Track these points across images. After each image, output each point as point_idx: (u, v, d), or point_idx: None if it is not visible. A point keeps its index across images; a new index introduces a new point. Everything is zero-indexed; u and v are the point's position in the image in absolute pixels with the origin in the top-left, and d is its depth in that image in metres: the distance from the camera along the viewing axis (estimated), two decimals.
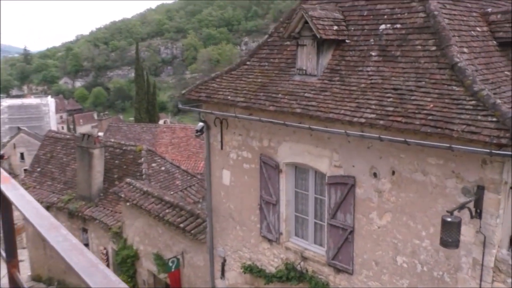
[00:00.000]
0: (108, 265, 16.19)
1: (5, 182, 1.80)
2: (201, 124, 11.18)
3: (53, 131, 22.28)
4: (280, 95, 8.25)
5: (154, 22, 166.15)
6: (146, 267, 13.85)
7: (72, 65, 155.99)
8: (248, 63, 9.79)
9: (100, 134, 46.71)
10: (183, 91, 10.20)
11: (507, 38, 7.65)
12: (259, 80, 9.02)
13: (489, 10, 8.21)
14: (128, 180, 14.51)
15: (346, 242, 7.59)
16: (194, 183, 17.91)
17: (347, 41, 8.20)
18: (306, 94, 7.88)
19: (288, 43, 9.25)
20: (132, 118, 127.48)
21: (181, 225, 11.36)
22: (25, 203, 1.62)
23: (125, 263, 14.16)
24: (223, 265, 10.56)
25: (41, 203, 18.19)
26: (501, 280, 5.80)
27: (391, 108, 6.53)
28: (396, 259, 6.97)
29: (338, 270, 7.86)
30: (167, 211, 12.21)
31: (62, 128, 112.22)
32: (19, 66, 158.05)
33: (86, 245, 17.26)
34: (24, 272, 22.13)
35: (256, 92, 8.72)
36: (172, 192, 16.61)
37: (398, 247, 6.91)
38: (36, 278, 20.30)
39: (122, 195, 13.74)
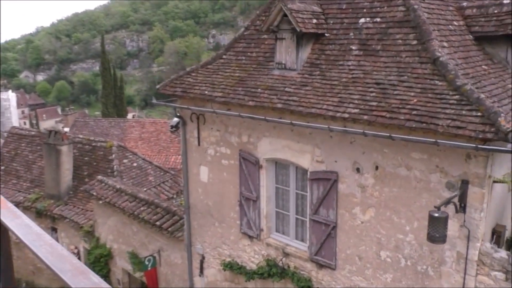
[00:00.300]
0: None
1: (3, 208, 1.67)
2: (176, 119, 10.92)
3: (17, 128, 21.41)
4: (259, 89, 8.11)
5: (119, 14, 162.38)
6: (121, 266, 13.50)
7: (33, 58, 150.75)
8: (224, 57, 9.59)
9: (66, 129, 45.36)
10: (158, 86, 9.90)
11: (483, 32, 7.75)
12: (237, 74, 8.85)
13: (465, 4, 8.29)
14: (99, 177, 14.07)
15: (329, 238, 7.56)
16: (167, 179, 17.58)
17: (326, 34, 8.12)
18: (286, 89, 7.76)
19: (265, 36, 9.10)
20: (98, 113, 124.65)
21: (157, 223, 11.10)
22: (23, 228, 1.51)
23: (98, 262, 13.76)
24: (201, 262, 10.38)
25: None
26: (485, 273, 5.89)
27: (374, 103, 6.49)
28: (379, 254, 6.99)
29: (321, 266, 7.83)
30: (142, 208, 11.90)
31: (24, 123, 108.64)
32: None
33: None
34: None
35: (234, 86, 8.55)
36: (145, 189, 16.25)
37: (382, 241, 6.92)
38: None
39: (94, 193, 13.32)
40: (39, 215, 16.71)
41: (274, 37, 8.43)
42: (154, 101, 10.06)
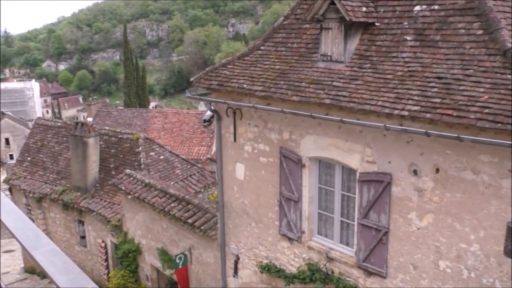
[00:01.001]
0: (107, 259, 15.56)
1: None
2: (209, 113, 10.46)
3: (43, 119, 21.28)
4: (303, 83, 7.56)
5: (139, 4, 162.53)
6: (149, 262, 13.23)
7: (54, 48, 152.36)
8: (262, 48, 9.05)
9: (89, 119, 45.51)
10: (191, 79, 9.43)
11: None
12: (277, 67, 8.31)
13: None
14: (127, 171, 13.76)
15: (380, 244, 7.03)
16: (194, 172, 17.23)
17: (377, 24, 7.51)
18: (334, 83, 7.20)
19: (307, 26, 8.52)
20: (118, 102, 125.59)
21: (189, 221, 10.71)
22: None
23: (126, 258, 13.52)
24: (236, 263, 9.98)
25: (33, 194, 17.44)
26: None
27: (437, 100, 5.89)
28: (438, 264, 6.43)
29: (370, 273, 7.32)
30: (172, 205, 11.53)
31: (47, 112, 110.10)
32: None
33: (83, 237, 16.57)
34: (17, 263, 21.41)
35: (275, 80, 8.02)
36: (172, 182, 15.92)
37: (441, 250, 6.36)
38: (29, 270, 19.61)
39: (123, 188, 13.01)
40: (65, 207, 16.58)
41: (319, 26, 7.85)
42: (188, 94, 9.59)
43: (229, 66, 9.11)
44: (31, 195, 17.46)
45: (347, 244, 7.91)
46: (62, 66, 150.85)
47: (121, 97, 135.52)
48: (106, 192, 16.17)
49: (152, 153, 16.79)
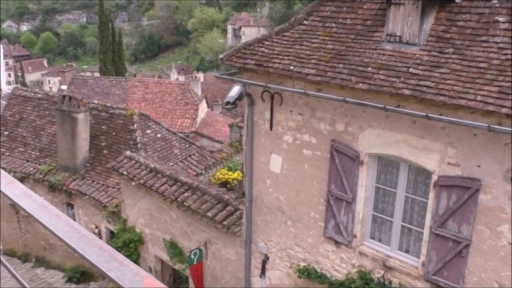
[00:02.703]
0: None
1: None
2: (232, 94, 9.23)
3: (21, 89, 19.35)
4: (370, 68, 6.46)
5: None
6: (153, 252, 12.11)
7: (16, 7, 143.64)
8: (305, 22, 7.82)
9: (64, 87, 42.86)
10: (221, 56, 8.14)
11: None
12: (330, 46, 7.14)
13: None
14: (128, 153, 12.41)
15: (458, 257, 6.17)
16: (193, 152, 16.00)
17: (457, 0, 6.42)
18: (411, 70, 6.13)
19: None
20: (86, 66, 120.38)
21: (209, 214, 9.60)
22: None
23: (127, 248, 12.33)
24: (264, 262, 9.01)
25: (14, 173, 15.80)
26: None
27: None
28: None
29: None
30: (186, 195, 10.37)
31: (9, 75, 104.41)
32: None
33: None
34: None
35: (331, 62, 6.87)
36: (172, 163, 14.70)
37: None
38: (8, 252, 18.10)
39: (124, 173, 11.70)
40: (52, 189, 15.14)
41: (387, 1, 6.69)
42: (216, 74, 8.31)
43: (266, 43, 7.86)
44: (11, 174, 15.81)
45: (407, 252, 7.04)
46: (24, 27, 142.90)
47: (88, 61, 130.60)
48: (98, 173, 14.80)
49: (148, 131, 15.42)
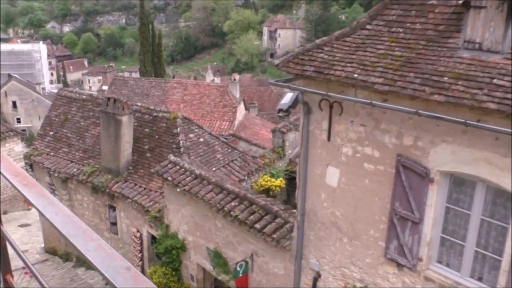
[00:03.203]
0: (141, 250, 14.22)
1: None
2: (285, 101, 8.81)
3: (66, 90, 19.55)
4: (446, 78, 5.90)
5: None
6: (196, 261, 11.84)
7: (59, 9, 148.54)
8: (369, 27, 7.32)
9: (105, 87, 43.63)
10: (277, 62, 7.74)
11: None
12: (398, 53, 6.62)
13: None
14: (172, 158, 12.20)
15: None
16: (236, 157, 15.68)
17: None
18: (495, 81, 5.55)
19: (434, 1, 6.79)
20: (124, 67, 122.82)
21: (257, 226, 9.21)
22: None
23: (169, 254, 12.13)
24: (315, 280, 8.55)
25: (58, 173, 15.92)
26: None
27: None
28: None
29: None
30: (232, 204, 10.03)
31: (52, 74, 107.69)
32: (3, 8, 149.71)
33: (114, 223, 15.19)
34: (35, 240, 20.15)
35: (400, 70, 6.35)
36: (214, 169, 14.42)
37: None
38: (50, 251, 18.33)
39: (169, 178, 11.47)
40: (95, 190, 15.14)
41: (465, 5, 6.12)
42: (270, 81, 7.91)
43: (326, 49, 7.41)
44: (56, 174, 15.97)
45: (480, 280, 6.43)
46: (66, 28, 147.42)
47: (126, 62, 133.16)
48: (141, 176, 14.69)
49: (191, 135, 15.20)
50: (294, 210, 9.86)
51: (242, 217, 9.58)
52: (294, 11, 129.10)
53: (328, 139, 7.63)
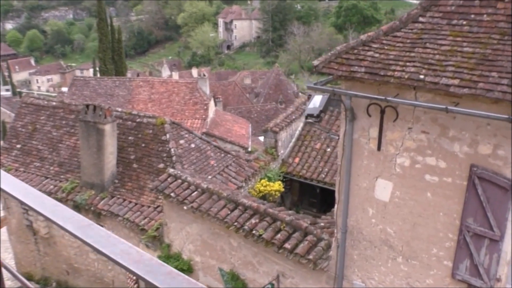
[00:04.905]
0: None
1: None
2: (315, 106, 7.82)
3: (32, 96, 17.65)
4: None
5: None
6: (206, 283, 10.69)
7: None
8: (422, 19, 6.45)
9: (64, 89, 40.93)
10: (315, 62, 6.71)
11: None
12: (468, 49, 5.78)
13: None
14: (172, 171, 10.94)
15: None
16: (230, 162, 14.57)
17: None
18: None
19: None
20: (74, 64, 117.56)
21: (287, 246, 8.20)
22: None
23: None
24: None
25: None
26: None
27: None
28: None
29: None
30: (252, 221, 8.97)
31: None
32: None
33: None
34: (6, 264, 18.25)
35: (478, 70, 5.51)
36: (210, 176, 13.26)
37: None
38: (25, 276, 16.38)
39: (172, 194, 10.24)
40: (77, 209, 13.56)
41: None
42: (309, 84, 6.88)
43: (374, 46, 6.47)
44: None
45: None
46: (9, 25, 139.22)
47: (77, 59, 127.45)
48: (129, 190, 13.31)
49: (181, 141, 13.93)
50: (322, 223, 8.96)
51: (267, 237, 8.55)
52: (249, 2, 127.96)
53: (378, 148, 6.72)
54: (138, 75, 41.26)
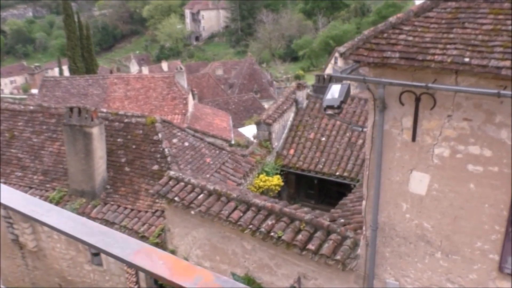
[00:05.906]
0: (137, 281, 12.20)
1: None
2: (334, 97, 7.28)
3: (7, 101, 16.47)
4: None
5: None
6: None
7: None
8: None
9: (34, 91, 39.11)
10: (343, 50, 6.15)
11: None
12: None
13: None
14: (172, 173, 10.26)
15: None
16: (226, 159, 13.95)
17: None
18: None
19: None
20: (38, 64, 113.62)
21: (311, 247, 7.70)
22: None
23: None
24: None
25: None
26: None
27: None
28: None
29: None
30: (269, 222, 8.42)
31: None
32: None
33: (97, 254, 12.97)
34: None
35: None
36: (208, 175, 12.63)
37: None
38: None
39: (176, 199, 9.58)
40: None
41: None
42: (336, 74, 6.32)
43: (406, 28, 5.97)
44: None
45: None
46: None
47: (40, 58, 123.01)
48: (123, 195, 12.54)
49: (174, 140, 13.21)
50: (342, 220, 8.50)
51: (287, 238, 8.02)
52: None
53: (413, 139, 6.25)
54: (111, 72, 39.71)
